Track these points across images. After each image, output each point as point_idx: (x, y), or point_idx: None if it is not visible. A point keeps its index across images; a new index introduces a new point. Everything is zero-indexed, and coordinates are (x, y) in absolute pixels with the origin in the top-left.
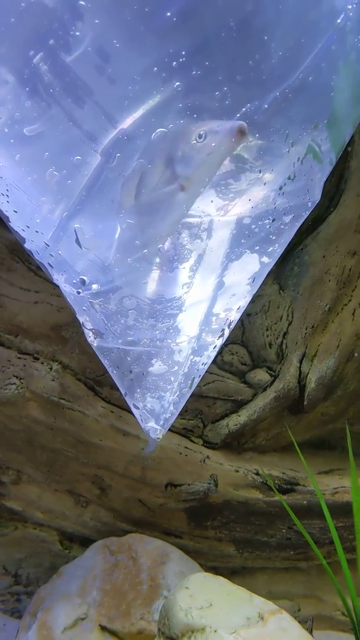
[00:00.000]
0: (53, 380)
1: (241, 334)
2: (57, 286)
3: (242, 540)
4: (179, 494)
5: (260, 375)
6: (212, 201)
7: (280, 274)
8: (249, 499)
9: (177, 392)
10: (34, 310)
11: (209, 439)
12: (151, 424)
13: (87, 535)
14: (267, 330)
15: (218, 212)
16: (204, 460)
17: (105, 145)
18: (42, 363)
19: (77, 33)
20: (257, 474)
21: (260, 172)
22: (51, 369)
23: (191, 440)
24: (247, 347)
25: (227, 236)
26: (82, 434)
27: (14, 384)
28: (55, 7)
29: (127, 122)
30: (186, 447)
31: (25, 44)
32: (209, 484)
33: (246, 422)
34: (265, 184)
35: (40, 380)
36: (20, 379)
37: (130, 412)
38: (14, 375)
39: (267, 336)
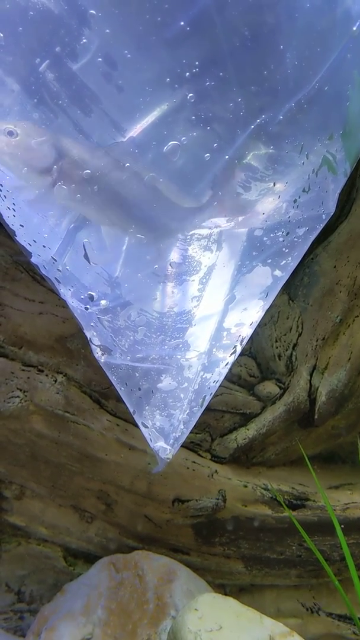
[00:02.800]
0: (57, 393)
1: (249, 345)
2: (64, 300)
3: (250, 557)
4: (186, 510)
5: (269, 388)
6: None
7: (290, 284)
8: (258, 515)
9: (187, 410)
10: (39, 321)
11: (217, 453)
12: (160, 443)
13: (92, 551)
14: (276, 341)
15: (228, 223)
16: (212, 475)
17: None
18: (46, 375)
19: (84, 40)
20: (266, 489)
21: (273, 183)
22: (56, 381)
23: (199, 455)
24: (255, 358)
25: (238, 248)
26: (87, 448)
27: (18, 396)
28: (61, 14)
29: (137, 131)
30: (194, 462)
31: (31, 52)
32: (217, 499)
33: (255, 436)
34: (277, 194)
35: (44, 393)
36: (24, 391)
37: (136, 425)
38: (17, 388)
39: (277, 347)
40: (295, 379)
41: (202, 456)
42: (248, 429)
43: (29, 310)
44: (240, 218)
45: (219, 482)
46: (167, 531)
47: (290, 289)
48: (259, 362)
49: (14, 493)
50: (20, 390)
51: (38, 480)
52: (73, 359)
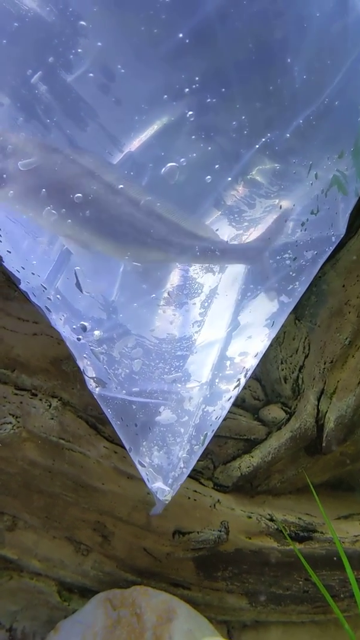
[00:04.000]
0: (52, 418)
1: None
2: (56, 329)
3: (255, 593)
4: (187, 543)
5: (275, 412)
6: (223, 230)
7: (297, 303)
8: (263, 547)
9: (187, 447)
10: (33, 342)
11: (219, 482)
12: (158, 484)
13: (88, 585)
14: (281, 363)
15: (231, 242)
16: (214, 505)
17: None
18: (40, 399)
19: (80, 50)
20: (271, 519)
21: (278, 201)
22: (50, 406)
23: (200, 483)
24: (260, 380)
25: (242, 271)
26: (82, 477)
27: (10, 423)
28: (54, 22)
29: (134, 146)
30: (195, 491)
31: (22, 63)
32: (220, 531)
33: (260, 464)
34: (282, 211)
35: (38, 419)
36: (17, 417)
37: None
38: (9, 414)
39: (282, 370)
40: (302, 403)
41: (204, 484)
42: (252, 457)
43: (23, 331)
44: (244, 237)
45: (222, 512)
46: (167, 565)
47: (297, 308)
48: (263, 384)
49: (6, 524)
50: (13, 415)
51: (31, 511)
52: (68, 382)
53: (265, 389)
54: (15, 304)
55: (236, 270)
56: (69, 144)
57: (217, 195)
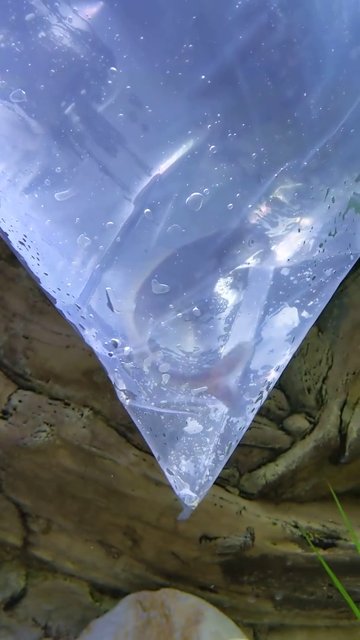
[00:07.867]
0: (84, 427)
1: (279, 377)
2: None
3: (280, 597)
4: (213, 548)
5: (299, 422)
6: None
7: (320, 315)
8: (288, 553)
9: (213, 456)
10: (66, 354)
11: (245, 489)
12: (186, 490)
13: (119, 587)
14: (305, 374)
15: (254, 259)
16: (240, 512)
17: (138, 194)
18: (73, 409)
19: (109, 82)
20: (296, 526)
21: (299, 218)
22: (82, 415)
23: (227, 490)
24: (284, 391)
25: (265, 287)
26: (113, 484)
27: (45, 431)
28: (86, 59)
29: (162, 169)
30: (221, 498)
31: (56, 96)
32: (246, 537)
33: (284, 472)
34: (303, 231)
35: (71, 427)
36: (51, 425)
37: None
38: (44, 422)
39: (306, 380)
40: (326, 413)
41: (230, 492)
42: (277, 465)
43: (56, 344)
44: (266, 254)
45: (247, 519)
46: (194, 569)
47: (320, 320)
48: (287, 394)
49: (41, 527)
50: (47, 424)
51: (65, 515)
52: (99, 392)
53: (290, 399)
54: (50, 317)
55: (259, 287)
56: (100, 169)
57: (241, 216)
